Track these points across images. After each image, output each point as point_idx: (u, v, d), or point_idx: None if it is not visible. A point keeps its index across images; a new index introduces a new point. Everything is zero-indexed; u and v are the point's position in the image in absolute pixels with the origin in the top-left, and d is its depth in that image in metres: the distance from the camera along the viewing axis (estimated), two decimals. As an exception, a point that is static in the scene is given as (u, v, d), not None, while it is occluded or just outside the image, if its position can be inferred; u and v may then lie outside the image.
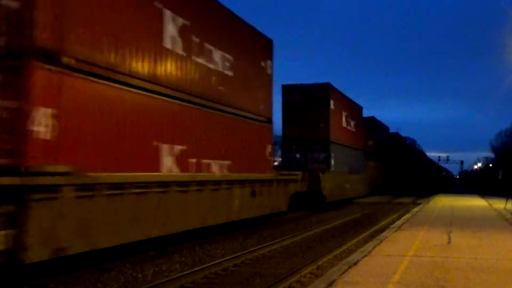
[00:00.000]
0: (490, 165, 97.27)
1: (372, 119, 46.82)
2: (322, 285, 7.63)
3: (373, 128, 46.22)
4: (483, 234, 14.59)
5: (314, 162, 29.60)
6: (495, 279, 8.24)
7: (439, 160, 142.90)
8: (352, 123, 36.33)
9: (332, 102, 30.86)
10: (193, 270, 10.61)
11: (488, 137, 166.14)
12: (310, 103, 30.30)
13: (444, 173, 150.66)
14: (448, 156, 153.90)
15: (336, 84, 33.90)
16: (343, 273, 8.58)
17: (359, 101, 43.95)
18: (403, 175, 65.25)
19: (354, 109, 38.16)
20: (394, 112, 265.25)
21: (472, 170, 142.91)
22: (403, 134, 77.37)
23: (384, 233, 14.86)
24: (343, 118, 33.93)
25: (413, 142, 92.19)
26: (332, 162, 30.40)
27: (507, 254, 10.95)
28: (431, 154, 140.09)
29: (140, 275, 10.18)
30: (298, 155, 30.23)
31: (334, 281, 7.91)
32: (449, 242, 12.72)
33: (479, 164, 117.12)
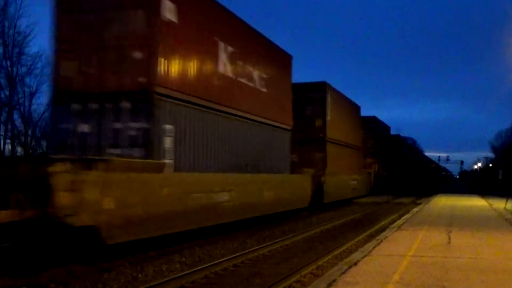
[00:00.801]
0: (490, 165, 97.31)
1: (322, 86, 30.06)
2: (322, 285, 7.63)
3: (323, 101, 29.72)
4: (483, 234, 14.59)
5: (115, 144, 12.97)
6: (495, 279, 8.24)
7: (439, 160, 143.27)
8: (257, 74, 19.53)
9: (171, 5, 13.45)
10: (193, 270, 10.61)
11: (488, 137, 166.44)
12: (113, 6, 13.31)
13: (444, 173, 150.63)
14: (448, 156, 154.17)
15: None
16: (343, 273, 8.58)
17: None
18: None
19: (263, 51, 20.57)
20: (394, 112, 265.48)
21: (472, 170, 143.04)
22: (403, 134, 76.41)
23: (384, 233, 14.87)
24: (222, 56, 16.49)
25: (413, 142, 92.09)
26: (166, 144, 13.46)
27: (507, 254, 10.95)
28: (431, 154, 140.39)
29: (140, 275, 10.18)
30: (84, 128, 13.17)
31: (334, 281, 7.91)
32: (449, 242, 12.72)
33: (479, 164, 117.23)
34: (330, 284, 7.67)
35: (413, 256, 10.37)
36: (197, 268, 10.75)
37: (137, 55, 12.99)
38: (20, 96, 37.89)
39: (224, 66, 16.65)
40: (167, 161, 13.26)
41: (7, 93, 36.80)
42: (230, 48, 17.07)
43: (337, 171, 31.33)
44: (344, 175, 33.23)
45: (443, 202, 33.41)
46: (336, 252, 13.31)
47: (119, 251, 11.57)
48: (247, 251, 13.17)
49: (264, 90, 20.17)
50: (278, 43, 22.14)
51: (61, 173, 9.94)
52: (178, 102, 13.95)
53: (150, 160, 12.66)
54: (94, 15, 13.41)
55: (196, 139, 14.97)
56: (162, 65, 13.19)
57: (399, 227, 16.34)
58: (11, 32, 36.51)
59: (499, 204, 30.06)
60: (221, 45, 16.55)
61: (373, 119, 48.06)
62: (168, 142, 13.60)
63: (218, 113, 16.20)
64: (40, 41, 48.78)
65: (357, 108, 39.80)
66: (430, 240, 13.05)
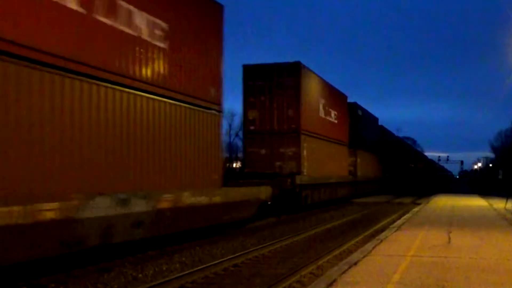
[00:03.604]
0: (490, 165, 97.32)
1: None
2: (322, 285, 7.63)
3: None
4: (483, 234, 14.59)
5: None
6: (495, 279, 8.24)
7: (439, 160, 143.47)
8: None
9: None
10: (193, 270, 10.61)
11: (488, 137, 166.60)
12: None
13: (443, 173, 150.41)
14: (448, 156, 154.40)
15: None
16: (343, 273, 8.58)
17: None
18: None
19: None
20: (394, 112, 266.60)
21: (472, 170, 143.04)
22: (403, 134, 75.83)
23: (384, 233, 14.86)
24: None
25: (413, 142, 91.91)
26: None
27: (507, 254, 10.95)
28: (431, 154, 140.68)
29: (140, 275, 10.18)
30: None
31: (334, 281, 7.91)
32: (449, 242, 12.72)
33: (479, 164, 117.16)
34: (330, 284, 7.67)
35: (413, 256, 10.37)
36: (197, 268, 10.75)
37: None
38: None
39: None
40: None
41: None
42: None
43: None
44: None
45: (443, 202, 33.41)
46: (336, 252, 13.31)
47: (119, 251, 11.58)
48: (247, 251, 13.17)
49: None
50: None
51: None
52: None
53: None
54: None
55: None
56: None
57: (399, 227, 16.34)
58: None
59: (499, 204, 30.05)
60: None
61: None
62: None
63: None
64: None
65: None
66: (430, 240, 13.05)
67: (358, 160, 37.98)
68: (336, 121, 30.74)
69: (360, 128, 38.40)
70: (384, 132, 52.39)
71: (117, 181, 10.95)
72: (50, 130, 9.28)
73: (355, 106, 37.64)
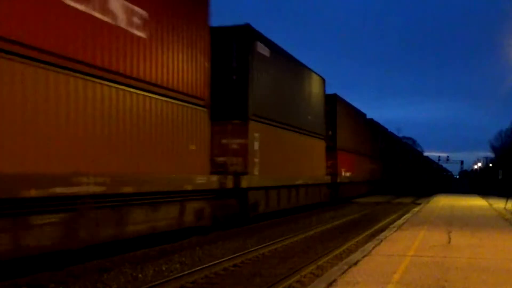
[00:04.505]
0: (490, 165, 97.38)
1: None
2: (322, 285, 7.63)
3: None
4: (483, 234, 14.59)
5: None
6: (495, 279, 8.24)
7: (439, 160, 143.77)
8: None
9: None
10: (193, 270, 10.60)
11: (488, 137, 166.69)
12: None
13: (442, 173, 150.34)
14: (448, 156, 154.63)
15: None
16: (343, 273, 8.58)
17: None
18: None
19: None
20: (394, 112, 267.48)
21: (472, 170, 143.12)
22: (403, 134, 75.20)
23: (384, 233, 14.86)
24: None
25: (413, 142, 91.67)
26: None
27: (507, 254, 10.95)
28: (431, 154, 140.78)
29: (140, 275, 10.17)
30: None
31: (334, 281, 7.91)
32: (449, 242, 12.72)
33: (479, 164, 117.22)
34: (330, 284, 7.67)
35: (413, 256, 10.37)
36: (197, 268, 10.74)
37: None
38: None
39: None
40: None
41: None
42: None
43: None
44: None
45: (443, 202, 33.41)
46: (336, 252, 13.31)
47: (119, 251, 11.58)
48: (247, 251, 13.16)
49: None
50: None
51: None
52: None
53: None
54: None
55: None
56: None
57: (399, 227, 16.34)
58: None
59: (499, 204, 30.06)
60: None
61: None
62: None
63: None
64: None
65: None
66: (430, 240, 13.05)
67: (256, 143, 18.71)
68: (143, 35, 11.58)
69: (267, 82, 20.07)
70: (342, 105, 33.40)
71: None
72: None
73: (249, 32, 18.76)
